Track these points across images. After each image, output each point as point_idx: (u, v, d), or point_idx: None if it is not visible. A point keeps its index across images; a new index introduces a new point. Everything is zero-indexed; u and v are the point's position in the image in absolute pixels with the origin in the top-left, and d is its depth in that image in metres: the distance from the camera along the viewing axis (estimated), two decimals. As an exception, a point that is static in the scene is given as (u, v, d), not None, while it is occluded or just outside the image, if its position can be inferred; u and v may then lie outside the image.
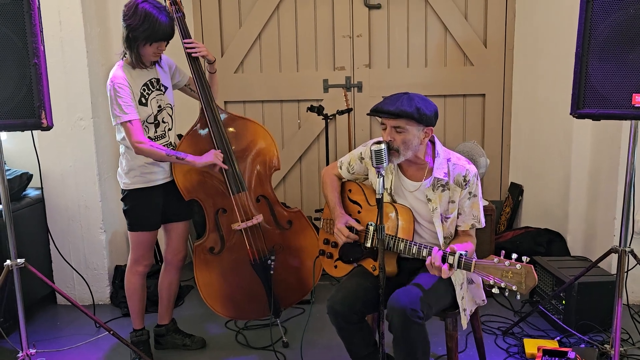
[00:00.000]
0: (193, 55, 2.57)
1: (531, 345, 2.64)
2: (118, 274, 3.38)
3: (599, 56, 2.10)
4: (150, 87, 2.52)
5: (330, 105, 3.82)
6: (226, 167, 2.56)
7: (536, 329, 2.90)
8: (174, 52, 2.65)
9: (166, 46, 2.48)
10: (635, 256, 2.38)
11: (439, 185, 2.10)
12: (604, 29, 2.09)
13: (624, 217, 2.31)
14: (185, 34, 2.58)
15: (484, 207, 2.99)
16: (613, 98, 2.10)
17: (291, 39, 3.98)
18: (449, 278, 2.12)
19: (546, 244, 3.52)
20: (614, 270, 2.97)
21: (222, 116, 2.64)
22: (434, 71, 3.94)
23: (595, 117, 2.17)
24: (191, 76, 2.65)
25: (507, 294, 1.81)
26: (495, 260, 1.82)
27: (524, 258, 1.79)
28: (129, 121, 2.39)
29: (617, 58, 2.08)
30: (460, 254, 1.87)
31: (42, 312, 3.28)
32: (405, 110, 1.97)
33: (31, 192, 3.26)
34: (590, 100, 2.14)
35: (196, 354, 2.76)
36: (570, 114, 2.22)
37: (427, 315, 1.99)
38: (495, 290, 1.81)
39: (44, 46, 2.17)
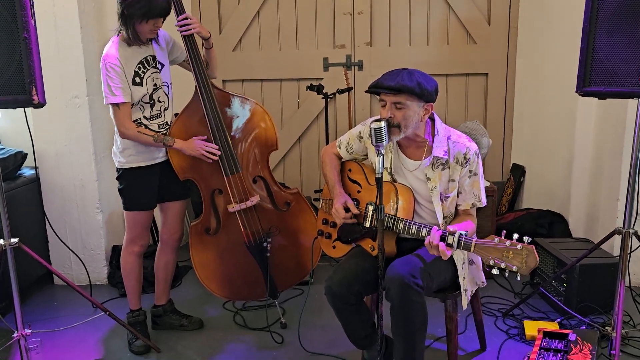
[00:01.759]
0: (185, 34, 2.49)
1: (531, 327, 2.62)
2: (115, 254, 3.36)
3: (607, 31, 2.03)
4: (146, 64, 2.45)
5: (330, 84, 3.74)
6: (213, 159, 2.51)
7: (537, 311, 2.88)
8: (172, 27, 2.57)
9: (163, 22, 2.41)
10: (638, 238, 2.34)
11: (438, 164, 2.06)
12: (612, 2, 2.01)
13: (628, 198, 2.26)
14: (180, 11, 2.50)
15: (486, 188, 2.96)
16: (621, 75, 2.03)
17: (291, 16, 3.89)
18: (451, 257, 2.08)
19: (548, 225, 3.49)
20: (616, 252, 2.93)
21: (218, 95, 2.58)
22: (436, 49, 3.86)
23: (602, 95, 2.11)
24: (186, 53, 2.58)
25: (507, 274, 1.77)
26: (496, 240, 1.78)
27: (525, 238, 1.74)
28: (117, 104, 2.35)
29: (626, 33, 2.01)
30: (460, 234, 1.83)
31: (39, 293, 3.26)
32: (407, 85, 1.92)
33: (26, 171, 3.22)
34: (597, 77, 2.07)
35: (193, 334, 2.75)
36: (576, 91, 2.16)
37: (427, 286, 1.95)
38: (495, 271, 1.78)
39: (34, 20, 2.11)
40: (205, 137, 2.53)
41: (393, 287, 1.90)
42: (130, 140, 2.42)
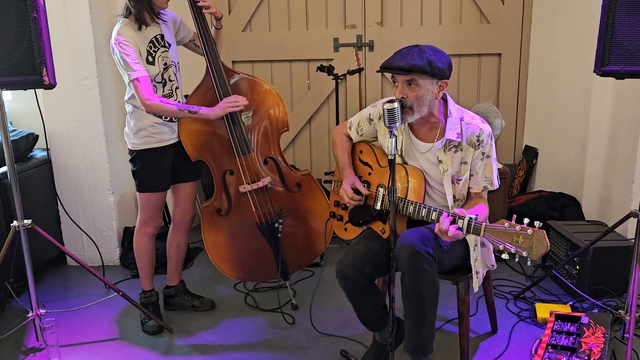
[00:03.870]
0: (203, 9, 2.46)
1: (543, 310, 2.61)
2: (127, 235, 3.38)
3: (628, 9, 1.97)
4: (157, 43, 2.43)
5: (340, 65, 3.71)
6: (240, 108, 2.47)
7: (548, 294, 2.87)
8: (178, 7, 2.54)
9: None
10: (654, 221, 2.31)
11: (451, 146, 2.03)
12: (634, -21, 1.96)
13: (645, 180, 2.22)
14: None
15: (498, 170, 2.92)
16: (640, 54, 1.98)
17: (301, -4, 3.84)
18: (464, 238, 2.06)
19: (560, 208, 3.46)
20: (629, 235, 2.90)
21: (229, 74, 2.56)
22: (448, 29, 3.80)
23: (620, 75, 2.06)
24: (196, 31, 2.55)
25: (517, 259, 1.74)
26: (506, 224, 1.75)
27: (536, 223, 1.70)
28: (137, 79, 2.31)
29: (647, 11, 1.96)
30: (470, 218, 1.80)
31: (53, 273, 3.30)
32: (417, 64, 1.88)
33: (38, 153, 3.23)
34: (615, 56, 2.02)
35: (205, 315, 2.77)
36: (594, 71, 2.11)
37: (439, 259, 1.93)
38: (505, 256, 1.74)
39: (43, 0, 2.09)
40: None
41: (403, 255, 1.88)
42: (155, 112, 2.39)
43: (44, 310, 2.42)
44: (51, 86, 2.14)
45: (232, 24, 3.86)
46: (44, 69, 2.08)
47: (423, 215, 1.96)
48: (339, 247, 3.43)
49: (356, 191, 2.14)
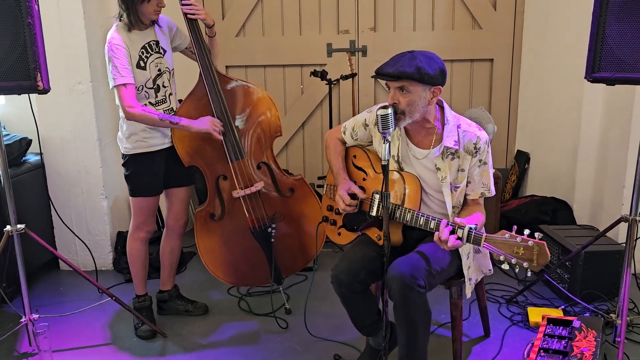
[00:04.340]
0: (189, 17, 2.47)
1: (535, 314, 2.63)
2: (120, 240, 3.37)
3: (618, 16, 2.00)
4: (149, 49, 2.44)
5: (333, 70, 3.72)
6: (221, 138, 2.50)
7: (540, 298, 2.89)
8: (174, 13, 2.55)
9: None
10: (645, 225, 2.34)
11: (448, 153, 2.03)
12: (624, -13, 1.99)
13: (635, 185, 2.25)
14: None
15: (491, 174, 2.92)
16: (630, 61, 2.01)
17: (294, 1, 3.86)
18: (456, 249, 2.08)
19: (552, 212, 3.48)
20: (620, 240, 2.93)
21: (222, 81, 2.57)
22: (441, 34, 3.82)
23: (611, 81, 2.09)
24: (189, 38, 2.56)
25: (517, 270, 1.74)
26: (507, 235, 1.75)
27: (536, 234, 1.72)
28: (123, 84, 2.32)
29: (636, 18, 1.98)
30: (470, 228, 1.80)
31: (46, 278, 3.28)
32: (405, 71, 1.88)
33: (31, 157, 3.22)
34: (606, 63, 2.05)
35: (198, 319, 2.77)
36: (585, 77, 2.14)
37: (430, 284, 1.94)
38: (505, 266, 1.75)
39: (38, 5, 2.10)
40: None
41: (394, 287, 1.90)
42: (136, 121, 2.39)
43: (37, 315, 2.42)
44: (45, 91, 2.14)
45: (226, 29, 3.87)
46: (38, 74, 2.08)
47: (421, 224, 1.96)
48: (332, 251, 3.44)
49: (352, 196, 2.14)
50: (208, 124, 2.46)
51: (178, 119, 2.43)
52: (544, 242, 1.69)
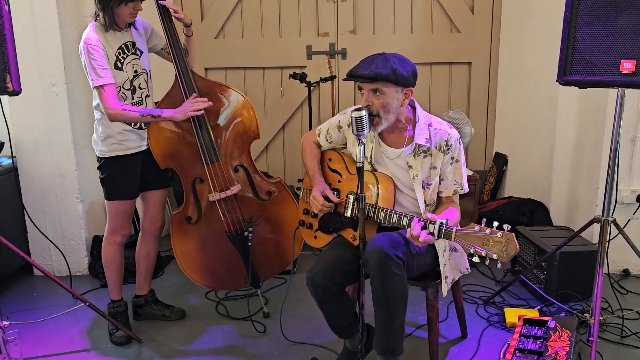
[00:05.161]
0: (164, 3, 2.43)
1: (512, 315, 2.65)
2: (96, 244, 3.32)
3: (588, 21, 2.04)
4: (126, 50, 2.41)
5: (313, 73, 3.72)
6: (202, 112, 2.45)
7: (517, 298, 2.91)
8: (149, 15, 2.52)
9: (141, 3, 2.35)
10: (617, 226, 2.37)
11: (420, 151, 2.05)
12: (594, -8, 2.02)
13: (607, 187, 2.28)
14: None
15: (468, 176, 2.96)
16: (601, 64, 2.05)
17: (274, 3, 3.85)
18: (432, 244, 2.09)
19: (529, 213, 3.52)
20: (595, 240, 2.97)
21: (199, 82, 2.54)
22: (420, 38, 3.85)
23: (582, 84, 2.12)
24: (165, 39, 2.53)
25: (487, 262, 1.78)
26: (476, 228, 1.78)
27: (505, 226, 1.75)
28: (102, 86, 2.29)
29: (606, 23, 2.02)
30: (441, 223, 1.83)
31: (19, 284, 3.21)
32: (381, 73, 1.90)
33: (3, 160, 3.16)
34: (577, 66, 2.09)
35: (175, 324, 2.73)
36: (557, 80, 2.17)
37: (408, 263, 1.95)
38: (475, 259, 1.78)
39: (8, 6, 2.06)
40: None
41: (372, 258, 1.89)
42: (118, 120, 2.37)
43: (8, 322, 2.36)
44: (15, 93, 2.11)
45: (205, 31, 3.85)
46: (8, 76, 2.05)
47: (394, 221, 1.98)
48: (312, 253, 3.43)
49: (327, 198, 2.14)
50: (187, 106, 2.43)
51: (160, 111, 2.40)
52: (513, 234, 1.73)
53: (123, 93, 2.41)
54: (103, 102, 2.30)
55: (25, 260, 3.02)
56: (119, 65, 2.37)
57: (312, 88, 3.56)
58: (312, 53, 3.87)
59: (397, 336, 1.99)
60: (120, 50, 2.38)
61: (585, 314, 2.53)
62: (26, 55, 2.98)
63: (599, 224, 2.34)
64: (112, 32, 2.36)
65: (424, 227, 1.85)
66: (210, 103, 2.48)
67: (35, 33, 3.01)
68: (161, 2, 2.43)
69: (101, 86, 2.28)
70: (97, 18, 2.35)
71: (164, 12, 2.46)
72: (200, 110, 2.45)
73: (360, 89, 1.99)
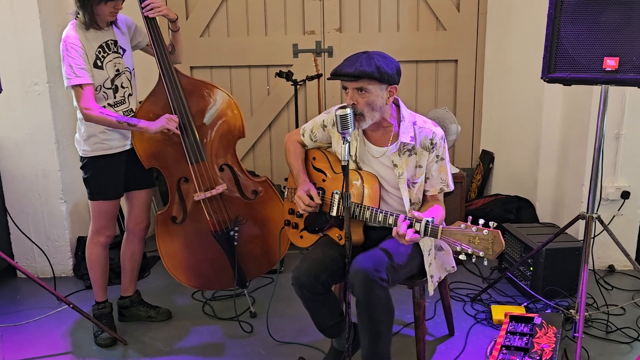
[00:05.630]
0: (151, 16, 2.42)
1: (498, 312, 2.66)
2: (81, 245, 3.28)
3: (571, 18, 2.04)
4: (107, 49, 2.37)
5: (300, 71, 3.71)
6: (178, 132, 2.44)
7: (504, 295, 2.92)
8: (132, 11, 2.49)
9: (122, 3, 2.33)
10: (602, 222, 2.39)
11: (405, 150, 2.05)
12: (577, -10, 2.03)
13: (592, 184, 2.29)
14: None
15: (454, 174, 2.96)
16: (584, 61, 2.05)
17: (259, 1, 3.83)
18: (417, 244, 2.08)
19: (515, 211, 3.54)
20: (580, 237, 2.99)
21: (183, 81, 2.52)
22: (406, 36, 3.84)
23: (566, 82, 2.13)
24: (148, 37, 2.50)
25: (474, 260, 1.78)
26: (462, 226, 1.78)
27: (490, 223, 1.75)
28: (79, 85, 2.26)
29: (589, 20, 2.03)
30: (427, 221, 1.83)
31: (2, 286, 3.17)
32: (365, 70, 1.89)
33: (-15, 161, 3.11)
34: (561, 63, 2.10)
35: (161, 325, 2.71)
36: (541, 78, 2.17)
37: (393, 279, 1.94)
38: (462, 257, 1.78)
39: (-13, 4, 2.02)
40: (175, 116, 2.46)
41: (357, 282, 1.89)
42: (94, 122, 2.33)
43: (-10, 325, 2.33)
44: (-4, 92, 2.07)
45: (190, 29, 3.81)
46: (-13, 75, 2.01)
47: (380, 220, 1.97)
48: (299, 253, 3.42)
49: (312, 198, 2.13)
50: (164, 120, 2.41)
51: (136, 121, 2.37)
52: (499, 231, 1.73)
53: (104, 92, 2.38)
54: (79, 102, 2.28)
55: (8, 263, 2.99)
56: (99, 64, 2.34)
57: (298, 86, 3.54)
58: (298, 51, 3.86)
59: (384, 356, 1.99)
60: (100, 49, 2.35)
61: (571, 310, 2.55)
62: (7, 55, 2.94)
63: (584, 220, 2.35)
64: (93, 31, 2.33)
65: (410, 226, 1.85)
66: (177, 121, 2.45)
67: (16, 32, 2.96)
68: (146, 13, 2.40)
69: (79, 85, 2.25)
70: (78, 16, 2.32)
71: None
72: (176, 130, 2.42)
73: (344, 88, 1.98)
